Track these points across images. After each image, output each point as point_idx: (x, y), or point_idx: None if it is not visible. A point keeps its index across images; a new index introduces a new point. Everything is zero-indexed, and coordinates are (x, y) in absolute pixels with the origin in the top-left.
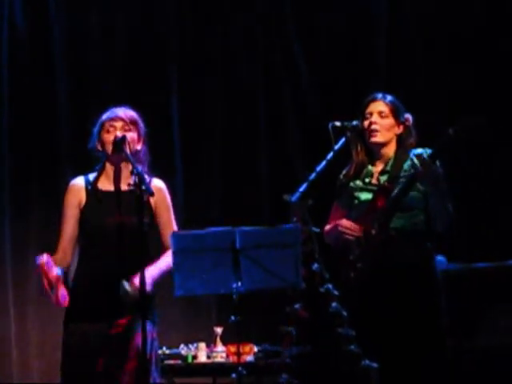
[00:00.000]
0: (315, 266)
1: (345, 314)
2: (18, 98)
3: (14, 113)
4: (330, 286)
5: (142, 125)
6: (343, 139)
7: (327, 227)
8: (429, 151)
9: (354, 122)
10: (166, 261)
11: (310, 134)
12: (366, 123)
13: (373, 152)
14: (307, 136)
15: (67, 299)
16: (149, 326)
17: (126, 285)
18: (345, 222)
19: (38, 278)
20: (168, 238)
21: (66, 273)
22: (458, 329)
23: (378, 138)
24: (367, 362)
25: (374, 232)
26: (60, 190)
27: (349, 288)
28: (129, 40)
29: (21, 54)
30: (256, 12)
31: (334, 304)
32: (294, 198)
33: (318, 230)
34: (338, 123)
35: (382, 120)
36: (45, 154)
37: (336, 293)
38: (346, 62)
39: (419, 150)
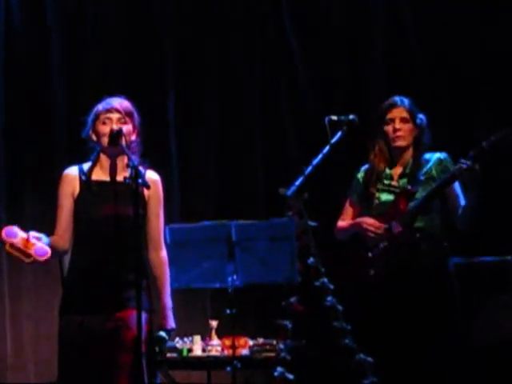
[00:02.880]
0: (311, 259)
1: (340, 308)
2: (14, 89)
3: (9, 105)
4: (326, 279)
5: (136, 115)
6: (339, 133)
7: (342, 223)
8: (446, 155)
9: (351, 116)
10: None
11: (307, 127)
12: (390, 129)
13: (392, 155)
14: (303, 129)
15: (47, 251)
16: (144, 316)
17: (163, 333)
18: (369, 220)
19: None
20: (153, 230)
21: (60, 262)
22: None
23: (402, 143)
24: (362, 355)
25: (396, 232)
26: (55, 182)
27: (367, 284)
28: (127, 31)
29: (17, 45)
30: (254, 11)
31: (329, 298)
32: (290, 191)
33: (314, 223)
34: (334, 117)
35: (404, 125)
36: (40, 146)
37: (331, 287)
38: (343, 56)
39: (438, 155)
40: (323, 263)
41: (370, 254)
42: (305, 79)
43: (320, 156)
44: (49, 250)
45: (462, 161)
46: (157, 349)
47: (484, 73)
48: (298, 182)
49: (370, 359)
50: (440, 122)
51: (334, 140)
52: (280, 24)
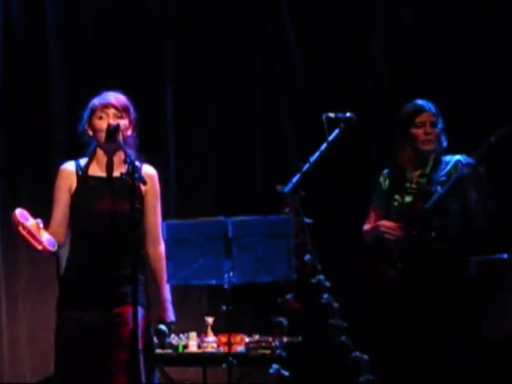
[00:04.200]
0: (307, 257)
1: (336, 305)
2: (12, 82)
3: (7, 98)
4: (322, 277)
5: (132, 110)
6: (337, 130)
7: (367, 227)
8: (466, 157)
9: (348, 114)
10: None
11: (304, 124)
12: (420, 132)
13: (418, 158)
14: (301, 126)
15: (55, 243)
16: (141, 312)
17: (163, 327)
18: (386, 223)
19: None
20: (151, 225)
21: (57, 258)
22: None
23: (432, 147)
24: (358, 353)
25: (414, 233)
26: (52, 176)
27: (388, 286)
28: (127, 31)
29: (15, 39)
30: (254, 11)
31: (325, 295)
32: (287, 188)
33: (310, 220)
34: (332, 114)
35: (433, 129)
36: (40, 146)
37: (327, 284)
38: (343, 56)
39: (458, 157)
40: (319, 260)
41: (393, 256)
42: (304, 78)
43: (317, 153)
44: (56, 243)
45: (466, 161)
46: (156, 342)
47: (484, 72)
48: (294, 179)
49: (365, 357)
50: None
51: (331, 137)
52: (280, 24)
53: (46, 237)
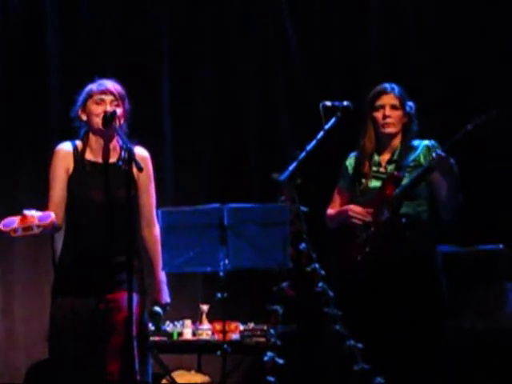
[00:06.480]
0: (302, 245)
1: (331, 293)
2: (9, 69)
3: (4, 82)
4: (317, 265)
5: (127, 101)
6: (334, 119)
7: (331, 211)
8: (434, 143)
9: (345, 103)
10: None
11: (301, 113)
12: (379, 115)
13: (380, 141)
14: (298, 115)
15: (49, 213)
16: (135, 298)
17: (158, 308)
18: (355, 208)
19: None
20: (145, 207)
21: (52, 245)
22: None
23: (391, 130)
24: (352, 341)
25: (383, 218)
26: (48, 160)
27: (354, 270)
28: (126, 29)
29: (12, 29)
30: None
31: (320, 283)
32: (283, 176)
33: (306, 209)
34: (328, 103)
35: (394, 112)
36: (34, 124)
37: (323, 272)
38: (339, 41)
39: (426, 142)
40: (314, 249)
41: (358, 241)
42: (301, 66)
43: (314, 142)
44: (50, 213)
45: (437, 152)
46: (151, 325)
47: (485, 56)
48: (291, 168)
49: (360, 345)
50: (439, 118)
51: (328, 126)
52: (278, 12)
53: (37, 217)
